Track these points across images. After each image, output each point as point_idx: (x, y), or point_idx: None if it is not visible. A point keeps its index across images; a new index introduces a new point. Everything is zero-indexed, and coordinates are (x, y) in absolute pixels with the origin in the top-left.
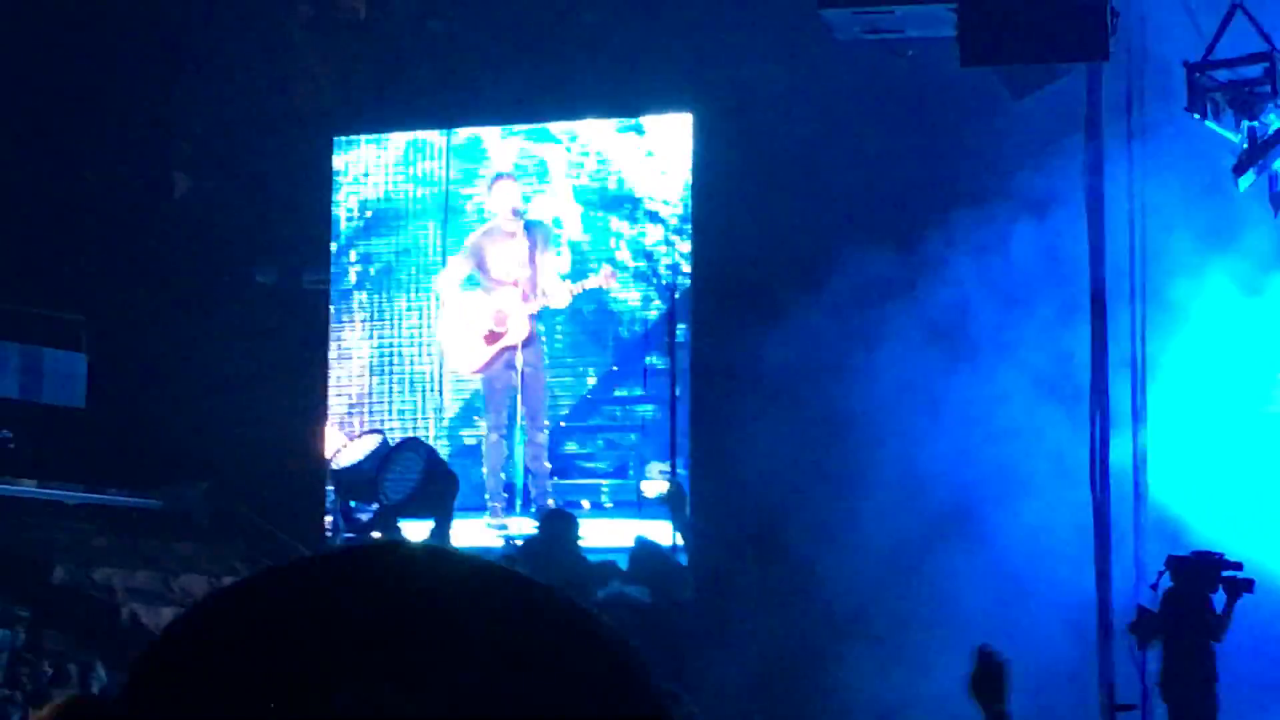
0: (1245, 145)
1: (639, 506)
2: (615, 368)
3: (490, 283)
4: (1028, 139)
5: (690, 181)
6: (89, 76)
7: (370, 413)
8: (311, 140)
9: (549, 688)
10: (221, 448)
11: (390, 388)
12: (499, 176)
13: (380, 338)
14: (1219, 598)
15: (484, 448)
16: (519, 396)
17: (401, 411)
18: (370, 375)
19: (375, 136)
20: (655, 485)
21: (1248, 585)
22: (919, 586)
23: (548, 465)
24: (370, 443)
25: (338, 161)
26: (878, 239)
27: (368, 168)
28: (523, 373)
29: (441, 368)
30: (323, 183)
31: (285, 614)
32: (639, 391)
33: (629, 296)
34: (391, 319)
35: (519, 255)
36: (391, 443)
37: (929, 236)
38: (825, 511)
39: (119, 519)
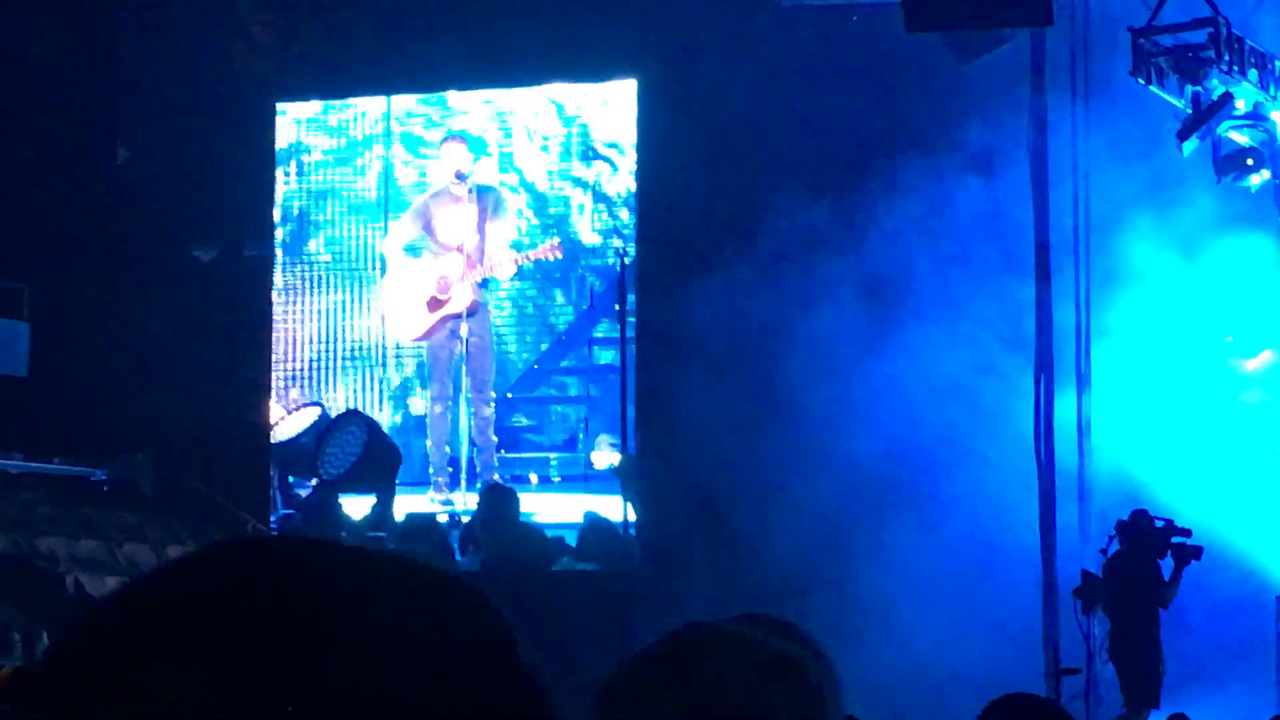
0: (1189, 110)
1: (587, 480)
2: (564, 337)
3: (436, 247)
4: (975, 97)
5: (636, 146)
6: (28, 45)
7: (312, 383)
8: (254, 108)
9: (424, 684)
10: (166, 417)
11: (332, 357)
12: (448, 138)
13: (321, 304)
14: (1166, 564)
15: (428, 420)
16: (464, 367)
17: (344, 381)
18: (311, 343)
19: (309, 100)
20: (605, 456)
21: (1195, 553)
22: (864, 552)
23: (494, 438)
24: (309, 415)
25: (280, 122)
26: (821, 199)
27: (307, 125)
28: (468, 342)
29: (384, 336)
30: (265, 152)
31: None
32: (588, 362)
33: (591, 240)
34: (333, 285)
35: (467, 221)
36: (331, 415)
37: (873, 196)
38: (770, 479)
39: (63, 488)
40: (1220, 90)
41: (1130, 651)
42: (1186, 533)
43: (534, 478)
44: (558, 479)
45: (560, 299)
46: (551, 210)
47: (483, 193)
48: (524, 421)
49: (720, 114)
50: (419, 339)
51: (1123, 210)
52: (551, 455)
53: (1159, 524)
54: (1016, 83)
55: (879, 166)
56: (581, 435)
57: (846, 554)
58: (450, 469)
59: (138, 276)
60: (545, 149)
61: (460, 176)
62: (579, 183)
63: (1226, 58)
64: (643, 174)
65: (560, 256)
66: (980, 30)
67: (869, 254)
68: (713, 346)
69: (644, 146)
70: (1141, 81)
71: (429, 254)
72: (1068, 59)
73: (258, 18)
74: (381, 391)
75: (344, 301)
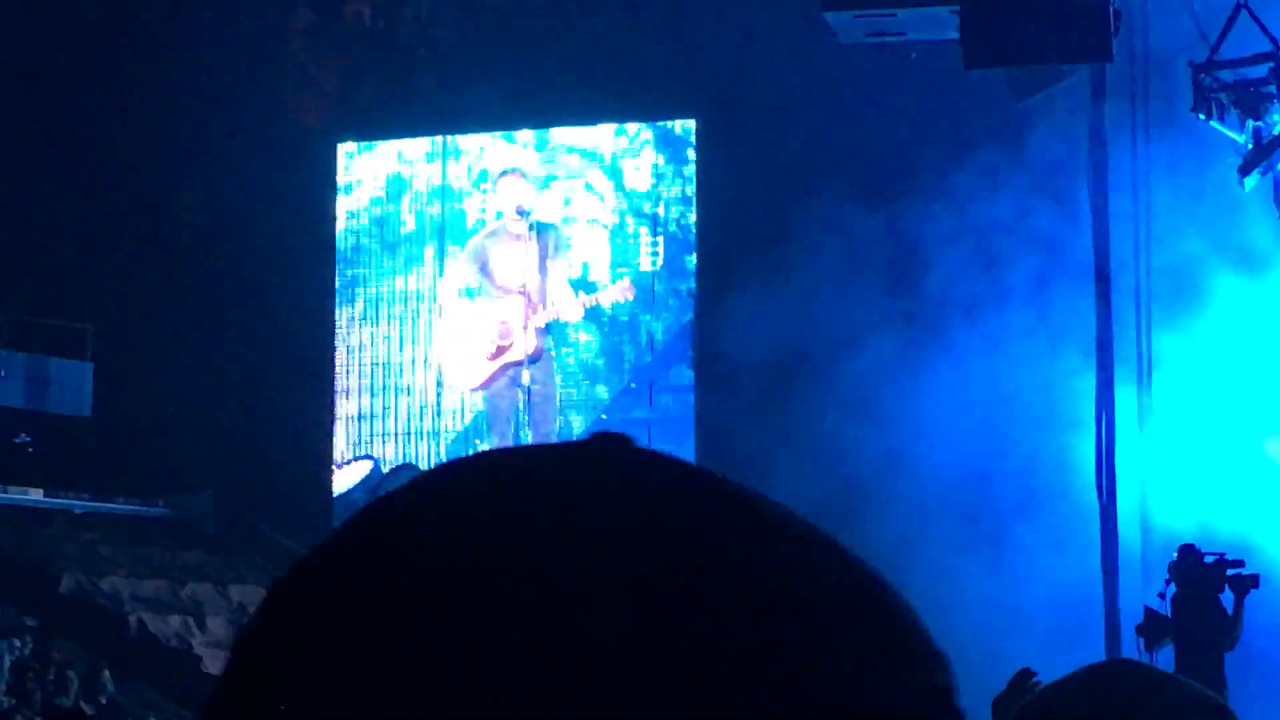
0: (1250, 146)
1: None
2: (633, 385)
3: (495, 290)
4: (1034, 121)
5: (695, 183)
6: (93, 90)
7: (363, 434)
8: (315, 149)
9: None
10: (228, 456)
11: (384, 407)
12: (506, 172)
13: (373, 351)
14: (1227, 598)
15: None
16: (527, 418)
17: (396, 434)
18: (362, 392)
19: (369, 143)
20: None
21: (1253, 581)
22: (925, 590)
23: None
24: (361, 470)
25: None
26: (880, 228)
27: (365, 169)
28: (530, 391)
29: (441, 385)
30: (326, 193)
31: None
32: (658, 410)
33: (657, 281)
34: (387, 331)
35: (527, 260)
36: (385, 469)
37: (936, 223)
38: (831, 515)
39: (126, 527)
40: None
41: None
42: (1239, 563)
43: None
44: None
45: (629, 355)
46: (618, 250)
47: (543, 230)
48: None
49: (778, 149)
50: (478, 388)
51: (1184, 238)
52: None
53: (1210, 558)
54: (1076, 109)
55: (938, 192)
56: None
57: (907, 592)
58: None
59: (200, 318)
60: (606, 188)
61: (520, 213)
62: (643, 221)
63: None
64: (703, 210)
65: (631, 298)
66: (1039, 66)
67: (931, 282)
68: (773, 380)
69: (703, 183)
70: (1202, 117)
71: (487, 297)
72: (1127, 87)
73: (319, 59)
74: (438, 444)
75: (398, 348)
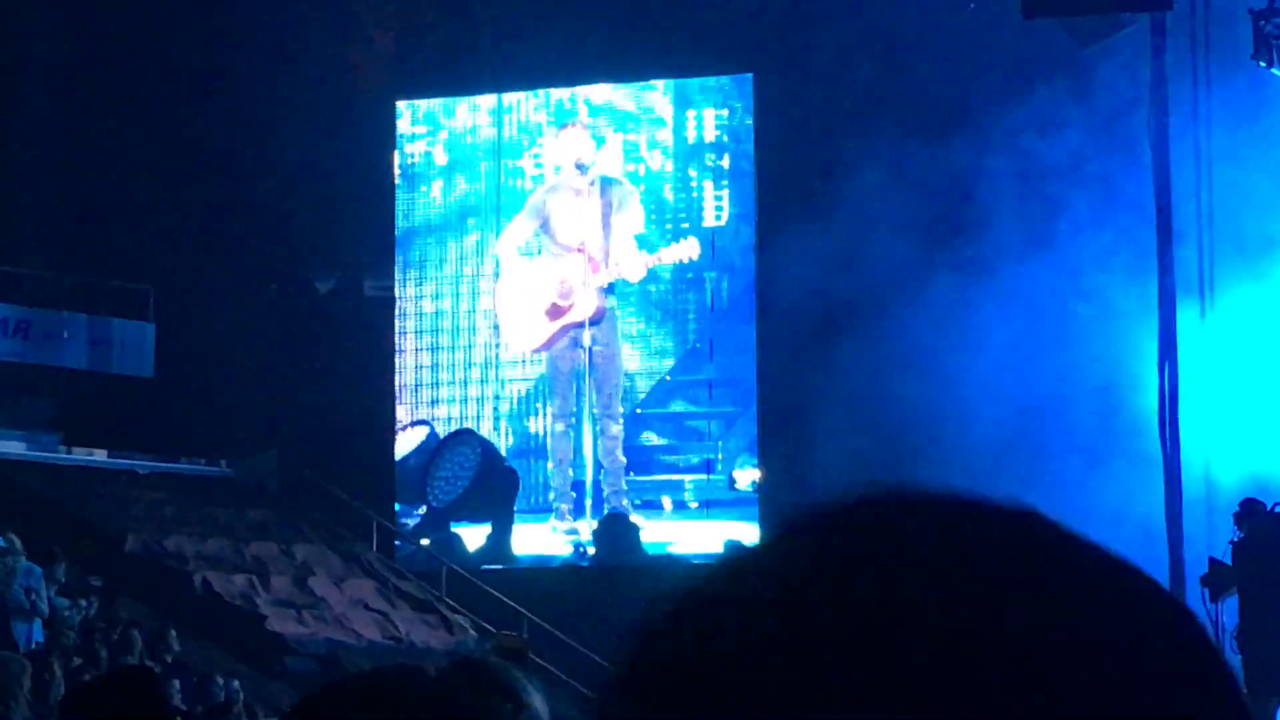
0: None
1: (728, 503)
2: (698, 345)
3: (555, 248)
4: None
5: (753, 135)
6: (154, 54)
7: (422, 397)
8: (374, 109)
9: None
10: (291, 415)
11: (440, 370)
12: (566, 123)
13: (428, 312)
14: None
15: (549, 440)
16: (588, 380)
17: (456, 397)
18: (417, 355)
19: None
20: (748, 474)
21: None
22: None
23: (622, 459)
24: (417, 435)
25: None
26: (941, 175)
27: (424, 121)
28: (592, 352)
29: (499, 347)
30: (386, 153)
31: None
32: (725, 373)
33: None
34: (442, 292)
35: (589, 217)
36: (441, 435)
37: (999, 172)
38: (892, 466)
39: (190, 487)
40: None
41: (1259, 638)
42: None
43: (668, 503)
44: (695, 504)
45: (693, 314)
46: (679, 206)
47: (606, 185)
48: (655, 440)
49: (836, 101)
50: (538, 349)
51: (1246, 183)
52: (687, 478)
53: (1276, 509)
54: (1137, 54)
55: (998, 136)
56: (720, 456)
57: None
58: (574, 494)
59: (261, 278)
60: (667, 144)
61: (581, 167)
62: (707, 175)
63: None
64: (760, 163)
65: (696, 257)
66: (1099, 15)
67: (992, 225)
68: (831, 328)
69: (761, 135)
70: (1263, 64)
71: (548, 255)
72: (1188, 33)
73: (377, 20)
74: (496, 408)
75: (453, 309)
